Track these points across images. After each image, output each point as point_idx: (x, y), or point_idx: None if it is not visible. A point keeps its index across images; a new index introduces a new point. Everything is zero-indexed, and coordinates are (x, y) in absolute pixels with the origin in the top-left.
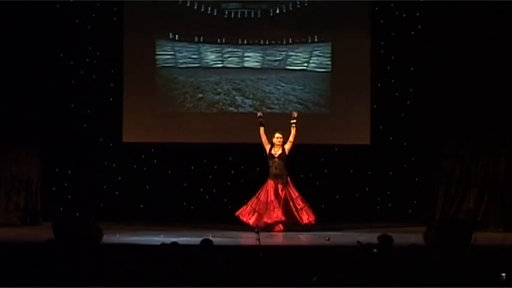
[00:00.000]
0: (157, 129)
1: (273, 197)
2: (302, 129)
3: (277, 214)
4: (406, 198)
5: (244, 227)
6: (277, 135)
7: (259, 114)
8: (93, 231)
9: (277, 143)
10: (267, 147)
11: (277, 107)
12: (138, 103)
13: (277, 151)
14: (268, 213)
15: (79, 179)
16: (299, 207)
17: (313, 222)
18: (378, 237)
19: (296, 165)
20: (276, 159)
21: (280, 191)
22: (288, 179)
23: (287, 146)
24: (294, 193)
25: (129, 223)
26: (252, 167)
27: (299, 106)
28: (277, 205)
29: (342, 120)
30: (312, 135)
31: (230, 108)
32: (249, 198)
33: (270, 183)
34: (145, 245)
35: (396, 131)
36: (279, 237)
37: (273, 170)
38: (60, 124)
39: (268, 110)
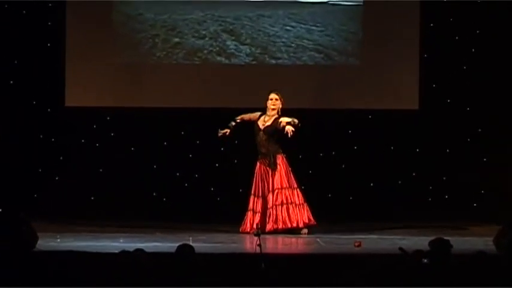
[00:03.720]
0: (114, 88)
1: (260, 191)
2: (322, 88)
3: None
4: (470, 187)
5: (238, 228)
6: (272, 95)
7: (221, 132)
8: (24, 233)
9: (272, 106)
10: (255, 117)
11: (285, 56)
12: (86, 51)
13: (266, 121)
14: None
15: (3, 160)
16: (277, 203)
17: (289, 226)
18: (430, 242)
19: (312, 139)
20: (261, 133)
21: (269, 179)
22: (280, 159)
23: (284, 120)
24: (280, 182)
25: (75, 222)
26: (250, 142)
27: (317, 55)
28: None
29: (379, 75)
30: (336, 97)
31: (219, 58)
32: (245, 186)
33: (258, 169)
34: (98, 252)
35: (456, 91)
36: (288, 242)
37: (257, 147)
38: None
39: (273, 61)
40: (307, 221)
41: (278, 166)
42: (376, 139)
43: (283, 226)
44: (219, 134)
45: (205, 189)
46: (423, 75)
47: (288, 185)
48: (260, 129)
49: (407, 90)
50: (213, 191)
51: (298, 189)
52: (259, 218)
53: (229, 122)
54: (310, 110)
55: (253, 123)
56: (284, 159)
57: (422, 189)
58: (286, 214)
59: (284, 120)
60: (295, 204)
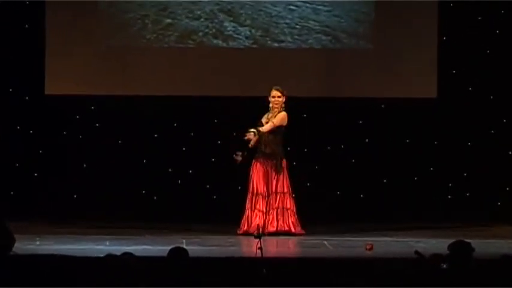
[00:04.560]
0: (99, 74)
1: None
2: (330, 75)
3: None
4: (494, 184)
5: (236, 229)
6: (274, 92)
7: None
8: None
9: (274, 105)
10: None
11: (289, 38)
12: (68, 34)
13: (269, 118)
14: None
15: None
16: (279, 206)
17: (286, 229)
18: (449, 245)
19: (319, 131)
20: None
21: (272, 180)
22: (284, 163)
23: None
24: (283, 186)
25: (56, 223)
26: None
27: (324, 38)
28: (266, 207)
29: (393, 59)
30: (345, 84)
31: (215, 41)
32: (244, 183)
33: (257, 169)
34: (81, 257)
35: (478, 78)
36: (292, 245)
37: (261, 146)
38: None
39: (276, 44)
40: (299, 229)
41: (283, 171)
42: (389, 131)
43: (281, 229)
44: (238, 159)
45: (201, 186)
46: (442, 60)
47: (288, 190)
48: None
49: (424, 77)
50: (209, 188)
51: (293, 197)
52: (259, 218)
53: (243, 150)
54: (317, 99)
55: (259, 121)
56: (285, 164)
57: (441, 186)
58: (286, 218)
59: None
60: (291, 211)
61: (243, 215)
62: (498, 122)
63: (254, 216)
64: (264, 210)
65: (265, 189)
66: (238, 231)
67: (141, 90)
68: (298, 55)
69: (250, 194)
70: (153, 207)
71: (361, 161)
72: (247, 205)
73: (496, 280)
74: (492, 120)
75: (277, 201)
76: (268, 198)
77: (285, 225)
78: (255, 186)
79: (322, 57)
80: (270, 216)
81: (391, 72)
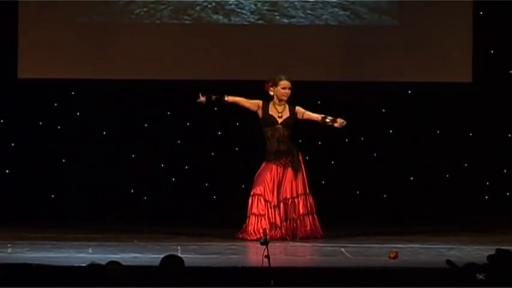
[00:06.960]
0: (80, 55)
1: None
2: (348, 56)
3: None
4: None
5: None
6: (285, 83)
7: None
8: None
9: (284, 97)
10: (256, 107)
11: (301, 13)
12: (44, 8)
13: (280, 112)
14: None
15: None
16: (304, 212)
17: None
18: (490, 255)
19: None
20: (279, 127)
21: (292, 182)
22: (301, 157)
23: (301, 111)
24: (303, 186)
25: (32, 227)
26: (255, 124)
27: (342, 12)
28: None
29: (422, 38)
30: (366, 67)
31: (215, 17)
32: (248, 180)
33: (272, 170)
34: (60, 266)
35: None
36: (304, 252)
37: (273, 144)
38: None
39: (285, 20)
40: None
41: (302, 169)
42: (417, 121)
43: (311, 235)
44: (198, 100)
45: (198, 184)
46: (478, 39)
47: (308, 190)
48: (277, 122)
49: (457, 58)
50: (207, 187)
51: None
52: (261, 223)
53: (216, 94)
54: (333, 84)
55: (264, 114)
56: (303, 157)
57: (477, 185)
58: (312, 224)
59: (308, 112)
60: (312, 215)
61: (248, 221)
62: None
63: (255, 221)
64: (271, 217)
65: (272, 195)
66: (237, 235)
67: (128, 73)
68: (311, 33)
69: (251, 197)
70: (143, 209)
71: (384, 156)
72: (255, 210)
73: None
74: None
75: (302, 205)
76: (280, 206)
77: (312, 232)
78: (257, 188)
79: (340, 35)
80: (292, 227)
81: (419, 52)
